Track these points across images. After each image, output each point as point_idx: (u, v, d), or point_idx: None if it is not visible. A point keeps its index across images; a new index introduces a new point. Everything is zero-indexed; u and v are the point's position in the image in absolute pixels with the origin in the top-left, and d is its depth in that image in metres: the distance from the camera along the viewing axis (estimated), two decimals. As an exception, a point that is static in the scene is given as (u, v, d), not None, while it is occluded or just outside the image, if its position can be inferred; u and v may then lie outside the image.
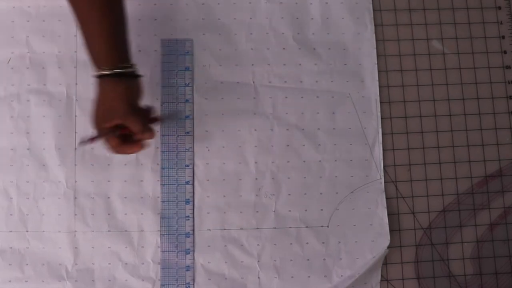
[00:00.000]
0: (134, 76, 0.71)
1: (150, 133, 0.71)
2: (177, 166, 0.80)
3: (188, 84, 0.82)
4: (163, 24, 0.83)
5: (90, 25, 0.69)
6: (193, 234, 0.79)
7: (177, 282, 0.77)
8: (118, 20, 0.71)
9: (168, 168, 0.80)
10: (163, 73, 0.82)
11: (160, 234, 0.78)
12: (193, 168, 0.80)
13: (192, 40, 0.83)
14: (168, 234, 0.78)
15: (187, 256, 0.78)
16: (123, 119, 0.69)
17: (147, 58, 0.82)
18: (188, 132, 0.81)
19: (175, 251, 0.78)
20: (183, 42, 0.83)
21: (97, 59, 0.70)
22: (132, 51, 0.81)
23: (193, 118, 0.81)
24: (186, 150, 0.81)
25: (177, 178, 0.80)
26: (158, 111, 0.81)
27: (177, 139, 0.81)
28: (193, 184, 0.80)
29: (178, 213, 0.79)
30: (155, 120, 0.75)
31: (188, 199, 0.80)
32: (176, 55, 0.83)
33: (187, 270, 0.78)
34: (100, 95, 0.70)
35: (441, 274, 0.81)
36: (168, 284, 0.77)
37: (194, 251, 0.78)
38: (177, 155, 0.80)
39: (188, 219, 0.79)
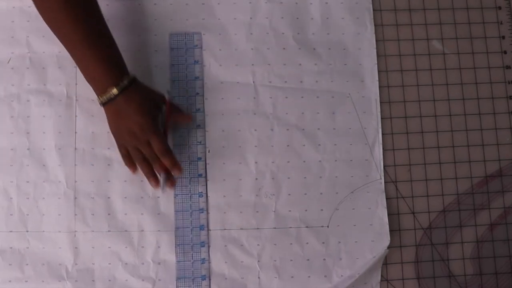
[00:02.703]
0: (134, 81, 0.73)
1: (172, 161, 0.75)
2: (189, 159, 0.80)
3: (198, 77, 0.82)
4: (163, 24, 0.83)
5: (82, 56, 0.71)
6: (207, 227, 0.79)
7: (192, 275, 0.78)
8: (105, 38, 0.73)
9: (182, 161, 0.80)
10: (172, 67, 0.82)
11: (175, 228, 0.78)
12: (205, 161, 0.80)
13: (201, 33, 0.83)
14: (183, 227, 0.79)
15: (202, 249, 0.78)
16: (148, 136, 0.74)
17: (147, 58, 0.82)
18: (199, 125, 0.81)
19: (190, 244, 0.78)
20: (191, 36, 0.83)
21: (99, 83, 0.72)
22: (132, 52, 0.82)
23: (204, 111, 0.81)
24: (198, 143, 0.81)
25: (189, 171, 0.80)
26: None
27: (188, 132, 0.81)
28: (205, 178, 0.80)
29: (192, 206, 0.79)
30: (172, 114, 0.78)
31: (201, 192, 0.80)
32: (184, 49, 0.83)
33: (202, 263, 0.78)
34: (117, 114, 0.73)
35: (441, 274, 0.81)
36: (184, 278, 0.78)
37: (209, 244, 0.79)
38: (189, 148, 0.80)
39: (202, 212, 0.79)
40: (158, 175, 0.77)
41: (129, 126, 0.74)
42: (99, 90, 0.73)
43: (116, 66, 0.73)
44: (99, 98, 0.74)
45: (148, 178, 0.77)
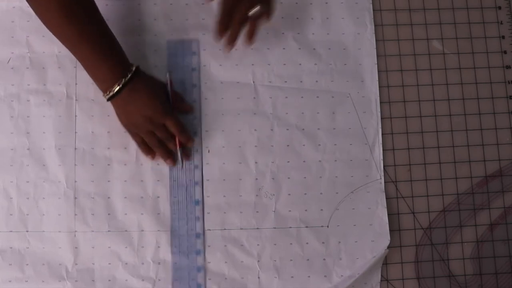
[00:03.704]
0: (137, 72, 0.75)
1: (188, 137, 0.78)
2: (185, 167, 0.80)
3: (195, 85, 0.82)
4: (163, 24, 0.83)
5: (85, 57, 0.72)
6: (203, 233, 0.79)
7: (188, 284, 0.78)
8: (105, 36, 0.73)
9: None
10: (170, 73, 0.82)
11: (171, 231, 0.78)
12: (201, 169, 0.80)
13: (198, 41, 0.83)
14: (179, 234, 0.79)
15: (198, 247, 0.78)
16: (163, 119, 0.75)
17: (147, 58, 0.82)
18: (195, 133, 0.81)
19: (185, 252, 0.78)
20: (189, 43, 0.83)
21: (104, 82, 0.73)
22: (132, 51, 0.82)
23: (200, 118, 0.81)
24: (194, 151, 0.81)
25: (185, 180, 0.80)
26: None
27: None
28: (202, 182, 0.80)
29: (188, 215, 0.79)
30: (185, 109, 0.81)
31: (198, 200, 0.80)
32: (182, 56, 0.82)
33: (198, 272, 0.78)
34: (126, 105, 0.74)
35: (441, 274, 0.81)
36: (180, 282, 0.78)
37: (205, 250, 0.79)
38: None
39: (199, 220, 0.79)
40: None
41: (142, 112, 0.75)
42: (104, 88, 0.74)
43: (119, 62, 0.74)
44: (104, 95, 0.74)
45: (165, 159, 0.79)
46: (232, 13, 0.76)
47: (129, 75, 0.73)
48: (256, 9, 0.75)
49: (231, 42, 0.78)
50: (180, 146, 0.78)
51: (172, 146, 0.78)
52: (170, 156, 0.79)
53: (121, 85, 0.73)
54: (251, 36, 0.78)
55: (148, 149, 0.79)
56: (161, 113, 0.75)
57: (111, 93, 0.73)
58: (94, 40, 0.71)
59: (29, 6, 0.82)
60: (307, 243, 0.80)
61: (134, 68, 0.74)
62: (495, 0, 0.88)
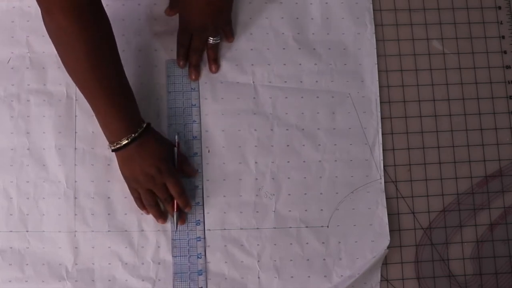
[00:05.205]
0: (147, 129, 0.74)
1: (186, 202, 0.77)
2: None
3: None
4: (163, 23, 0.83)
5: (102, 108, 0.72)
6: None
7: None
8: (125, 90, 0.73)
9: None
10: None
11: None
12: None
13: None
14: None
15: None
16: (165, 178, 0.74)
17: (146, 58, 0.82)
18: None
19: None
20: None
21: (114, 134, 0.73)
22: (131, 51, 0.82)
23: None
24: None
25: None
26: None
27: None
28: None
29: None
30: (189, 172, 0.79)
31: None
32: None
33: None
34: (130, 159, 0.74)
35: (441, 274, 0.81)
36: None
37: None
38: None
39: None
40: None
41: (145, 169, 0.74)
42: (112, 139, 0.73)
43: (132, 117, 0.73)
44: (110, 145, 0.74)
45: (157, 218, 0.78)
46: (188, 45, 0.80)
47: (139, 131, 0.73)
48: (213, 40, 0.80)
49: (192, 72, 0.81)
50: (177, 210, 0.77)
51: (170, 209, 0.77)
52: (162, 216, 0.77)
53: (129, 140, 0.72)
54: (213, 63, 0.81)
55: (143, 206, 0.77)
56: (164, 173, 0.74)
57: (118, 146, 0.73)
58: (113, 92, 0.71)
59: (30, 6, 0.82)
60: (307, 243, 0.80)
61: (144, 125, 0.74)
62: (495, 0, 0.88)
